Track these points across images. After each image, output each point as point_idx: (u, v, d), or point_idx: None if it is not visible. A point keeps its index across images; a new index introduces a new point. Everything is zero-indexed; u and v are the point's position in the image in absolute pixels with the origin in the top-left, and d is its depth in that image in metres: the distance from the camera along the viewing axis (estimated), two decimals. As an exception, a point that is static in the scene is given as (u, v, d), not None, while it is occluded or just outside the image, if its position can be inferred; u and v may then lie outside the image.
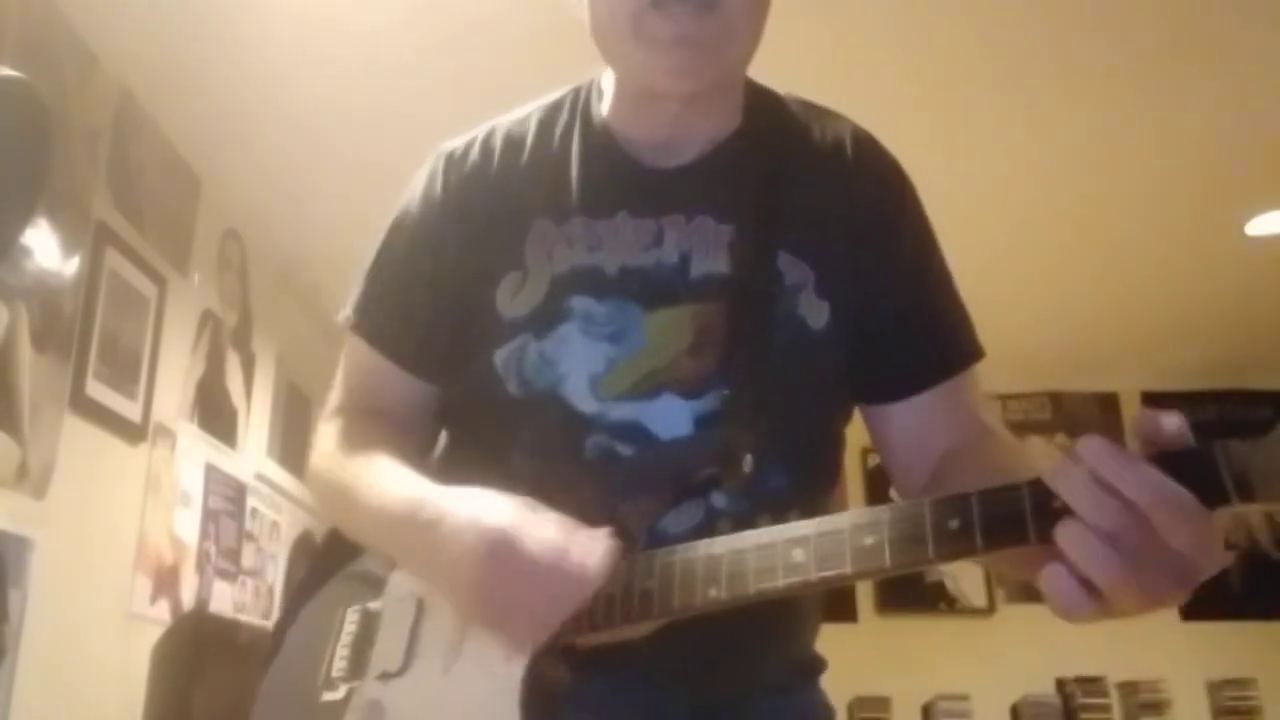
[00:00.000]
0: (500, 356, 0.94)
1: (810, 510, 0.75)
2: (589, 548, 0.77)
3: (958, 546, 0.65)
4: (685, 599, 0.76)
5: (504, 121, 1.05)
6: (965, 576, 4.55)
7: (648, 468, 0.88)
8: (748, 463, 0.85)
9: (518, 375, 0.93)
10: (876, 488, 4.77)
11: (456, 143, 1.05)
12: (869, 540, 0.68)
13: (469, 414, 1.00)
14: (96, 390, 2.38)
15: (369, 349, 1.04)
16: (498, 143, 1.03)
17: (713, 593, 0.75)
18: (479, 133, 1.05)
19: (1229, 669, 4.30)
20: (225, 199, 3.08)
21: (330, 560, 1.04)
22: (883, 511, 0.69)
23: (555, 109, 1.04)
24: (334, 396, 1.08)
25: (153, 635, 2.60)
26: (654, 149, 0.98)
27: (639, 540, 0.82)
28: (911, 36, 2.49)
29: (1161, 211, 3.31)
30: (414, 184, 1.06)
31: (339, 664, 0.94)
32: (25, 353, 2.12)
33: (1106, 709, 4.25)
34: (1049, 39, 2.50)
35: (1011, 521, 0.63)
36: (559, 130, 1.02)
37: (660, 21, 0.87)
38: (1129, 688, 4.26)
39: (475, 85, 2.40)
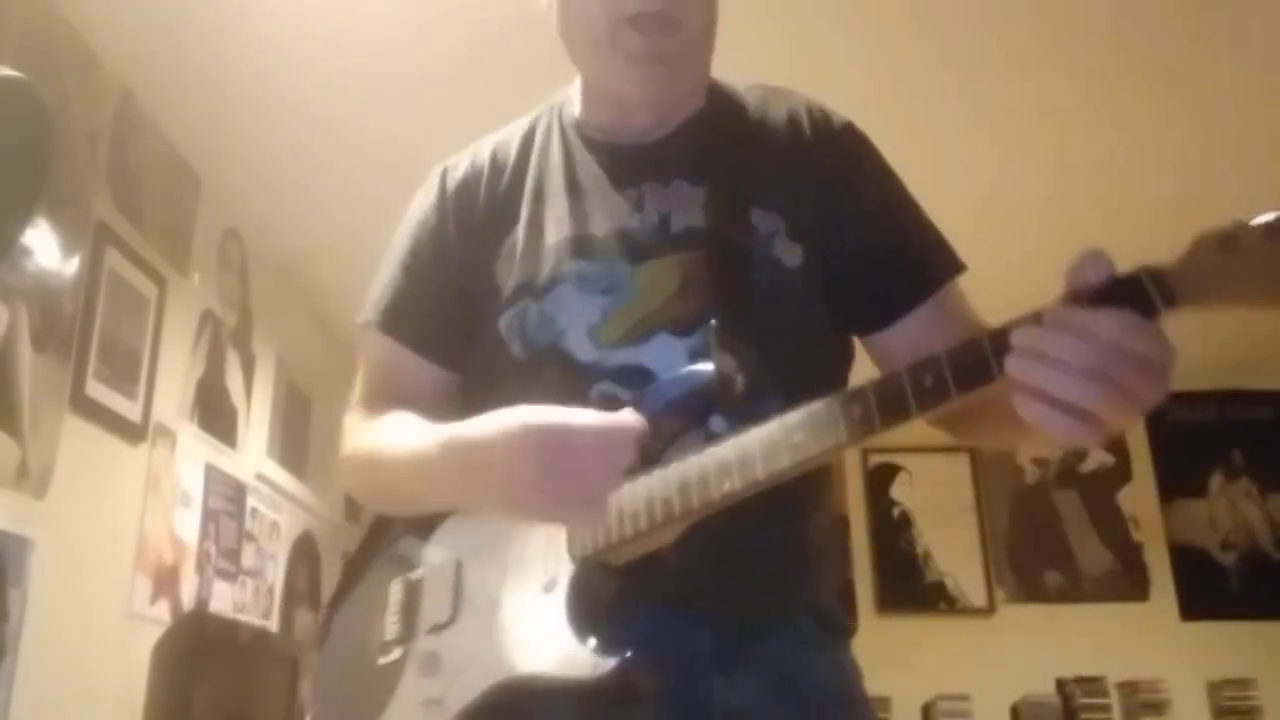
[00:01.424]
0: (504, 321, 1.03)
1: None
2: (619, 412, 0.88)
3: (935, 396, 0.75)
4: (703, 496, 0.84)
5: (491, 138, 1.18)
6: (965, 576, 4.55)
7: (649, 406, 0.93)
8: (740, 383, 0.91)
9: (521, 336, 1.01)
10: (877, 488, 4.77)
11: (451, 160, 1.18)
12: (857, 410, 0.78)
13: (482, 388, 1.06)
14: (96, 390, 2.38)
15: (387, 341, 1.12)
16: (487, 152, 1.16)
17: (727, 485, 0.83)
18: (470, 149, 1.18)
19: (1229, 669, 4.29)
20: (225, 199, 3.08)
21: (370, 551, 1.11)
22: (865, 384, 0.80)
23: (535, 121, 1.17)
24: (355, 395, 1.15)
25: (153, 635, 2.60)
26: (628, 133, 1.10)
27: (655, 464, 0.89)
28: (902, 37, 2.49)
29: (1161, 211, 3.30)
30: (416, 198, 1.17)
31: (390, 629, 1.00)
32: (25, 353, 2.12)
33: (1106, 709, 4.24)
34: (1048, 38, 2.50)
35: (976, 365, 0.74)
36: (539, 135, 1.15)
37: (634, 35, 1.01)
38: (1129, 688, 4.25)
39: (474, 99, 2.41)
